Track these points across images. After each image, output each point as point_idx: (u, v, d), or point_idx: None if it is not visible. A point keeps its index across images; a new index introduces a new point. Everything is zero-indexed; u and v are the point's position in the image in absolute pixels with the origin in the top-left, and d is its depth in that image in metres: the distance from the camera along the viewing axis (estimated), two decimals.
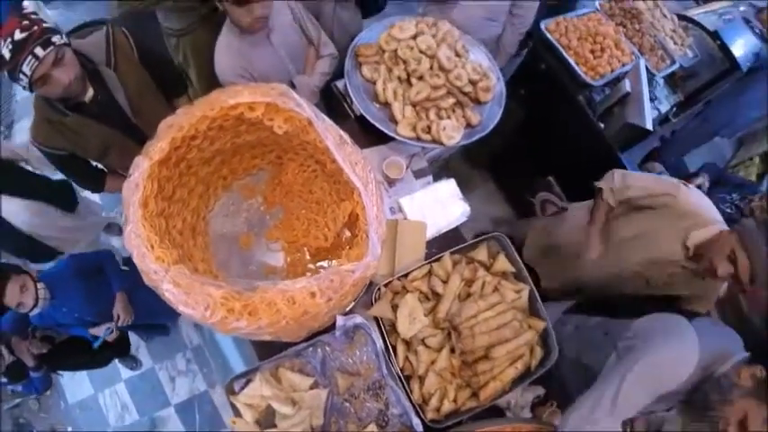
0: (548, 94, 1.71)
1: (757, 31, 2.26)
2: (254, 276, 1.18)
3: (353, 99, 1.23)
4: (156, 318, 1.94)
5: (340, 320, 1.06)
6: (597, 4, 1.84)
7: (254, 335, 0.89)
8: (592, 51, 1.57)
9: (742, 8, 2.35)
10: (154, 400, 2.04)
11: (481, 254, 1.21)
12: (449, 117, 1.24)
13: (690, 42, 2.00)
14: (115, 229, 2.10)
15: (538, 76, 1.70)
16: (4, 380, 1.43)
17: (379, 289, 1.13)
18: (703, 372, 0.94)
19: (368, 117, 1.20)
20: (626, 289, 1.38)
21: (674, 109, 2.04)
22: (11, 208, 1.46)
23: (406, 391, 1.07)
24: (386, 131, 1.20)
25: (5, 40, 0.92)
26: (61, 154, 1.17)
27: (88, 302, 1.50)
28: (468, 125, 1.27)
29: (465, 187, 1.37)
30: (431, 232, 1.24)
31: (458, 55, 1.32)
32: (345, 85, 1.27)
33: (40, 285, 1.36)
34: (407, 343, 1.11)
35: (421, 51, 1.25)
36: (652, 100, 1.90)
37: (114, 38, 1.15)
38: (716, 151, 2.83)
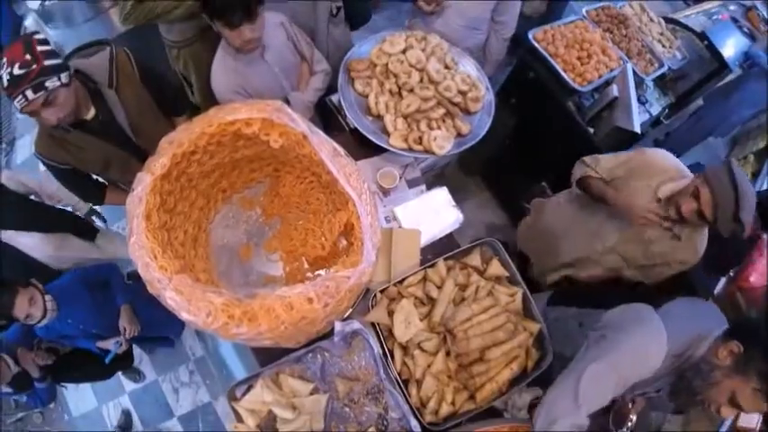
0: (537, 102, 1.76)
1: (746, 30, 2.30)
2: (255, 286, 1.21)
3: (347, 113, 1.28)
4: (160, 330, 1.98)
5: (338, 326, 1.09)
6: (584, 11, 1.89)
7: (254, 340, 0.92)
8: (579, 58, 1.61)
9: (732, 7, 2.40)
10: (158, 411, 2.06)
11: (475, 259, 1.24)
12: (439, 127, 1.28)
13: (678, 44, 2.04)
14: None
15: (527, 84, 1.74)
16: (10, 390, 1.46)
17: (375, 295, 1.16)
18: (678, 358, 0.95)
19: (361, 130, 1.25)
20: (606, 268, 1.40)
21: (666, 111, 2.08)
22: (30, 242, 1.50)
23: (404, 394, 1.09)
24: (379, 143, 1.25)
25: (4, 67, 0.95)
26: (63, 167, 1.21)
27: (93, 315, 1.53)
28: (459, 134, 1.31)
29: (461, 195, 1.40)
30: (425, 239, 1.27)
31: (447, 67, 1.37)
32: (339, 100, 1.32)
33: (47, 297, 1.39)
34: (404, 347, 1.14)
35: (411, 65, 1.30)
36: (643, 103, 1.94)
37: (117, 59, 1.19)
38: (710, 151, 2.84)
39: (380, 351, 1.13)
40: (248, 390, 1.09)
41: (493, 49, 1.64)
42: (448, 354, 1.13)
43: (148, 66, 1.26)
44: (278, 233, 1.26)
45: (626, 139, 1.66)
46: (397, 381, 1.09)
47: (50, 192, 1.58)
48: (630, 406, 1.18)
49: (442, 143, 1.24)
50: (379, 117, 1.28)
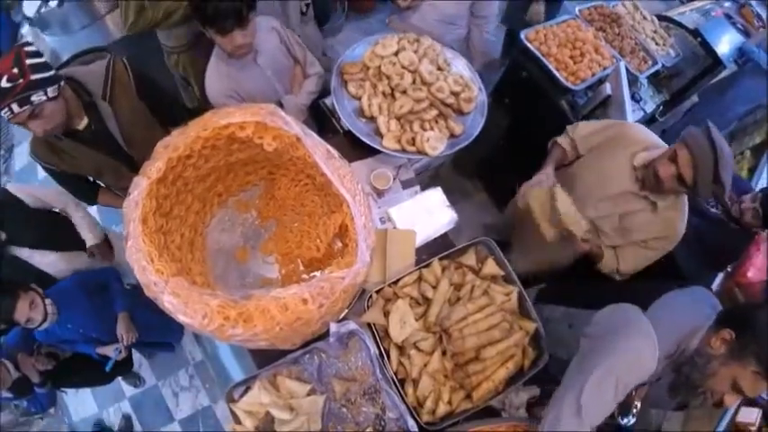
0: (531, 102, 1.77)
1: (740, 26, 2.31)
2: (251, 288, 1.22)
3: (341, 115, 1.29)
4: (160, 336, 1.98)
5: (334, 327, 1.09)
6: (576, 10, 1.90)
7: (250, 342, 0.92)
8: (571, 57, 1.62)
9: (726, 4, 2.41)
10: (158, 416, 2.07)
11: (470, 258, 1.24)
12: (432, 128, 1.29)
13: (671, 42, 2.05)
14: None
15: (520, 84, 1.75)
16: (10, 395, 1.47)
17: (371, 296, 1.16)
18: (669, 358, 0.95)
19: (354, 132, 1.26)
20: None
21: (660, 108, 2.08)
22: (44, 260, 1.51)
23: (400, 394, 1.09)
24: (372, 145, 1.26)
25: None
26: (57, 170, 1.22)
27: (92, 319, 1.54)
28: (452, 135, 1.32)
29: (456, 196, 1.42)
30: (420, 239, 1.28)
31: (440, 68, 1.38)
32: (333, 102, 1.33)
33: (47, 301, 1.40)
34: (400, 347, 1.14)
35: (403, 67, 1.31)
36: (637, 101, 1.94)
37: (114, 70, 1.19)
38: None
39: (377, 351, 1.13)
40: (246, 391, 1.09)
41: (476, 44, 1.67)
42: (444, 353, 1.13)
43: (145, 76, 1.26)
44: (273, 235, 1.27)
45: None
46: (393, 381, 1.10)
47: (74, 204, 1.56)
48: (634, 393, 1.18)
49: (435, 144, 1.25)
50: (373, 119, 1.29)
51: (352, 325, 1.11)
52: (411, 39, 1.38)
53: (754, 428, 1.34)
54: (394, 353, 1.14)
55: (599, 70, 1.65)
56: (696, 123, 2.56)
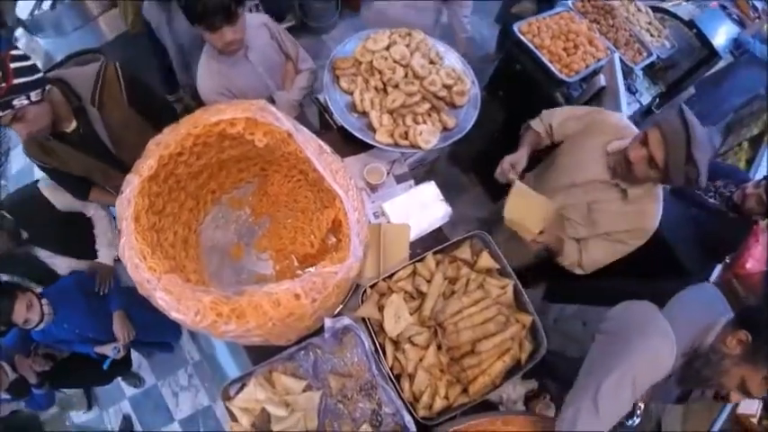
0: (525, 94, 1.76)
1: (735, 17, 2.30)
2: (246, 285, 1.21)
3: (333, 111, 1.29)
4: (158, 335, 1.99)
5: (328, 322, 1.09)
6: (569, 2, 1.90)
7: (243, 338, 0.92)
8: (565, 49, 1.62)
9: None
10: (158, 416, 2.07)
11: (464, 252, 1.24)
12: (425, 122, 1.28)
13: (666, 33, 2.04)
14: None
15: (514, 77, 1.75)
16: (8, 397, 1.47)
17: (365, 291, 1.16)
18: (684, 356, 0.94)
19: (347, 127, 1.25)
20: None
21: (657, 100, 2.07)
22: (63, 263, 1.53)
23: (396, 389, 1.08)
24: (365, 140, 1.25)
25: None
26: (50, 167, 1.23)
27: (89, 319, 1.54)
28: (445, 128, 1.32)
29: (452, 191, 1.41)
30: (414, 234, 1.27)
31: (432, 62, 1.37)
32: (325, 98, 1.33)
33: (44, 302, 1.41)
34: (395, 342, 1.14)
35: (395, 61, 1.31)
36: (633, 93, 1.94)
37: (105, 75, 1.18)
38: None
39: (372, 346, 1.13)
40: (242, 388, 1.09)
41: (456, 28, 1.68)
42: (439, 347, 1.13)
43: (136, 81, 1.26)
44: (267, 232, 1.27)
45: None
46: (389, 376, 1.09)
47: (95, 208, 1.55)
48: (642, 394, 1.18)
49: (428, 137, 1.24)
50: (365, 114, 1.29)
51: (346, 320, 1.11)
52: (402, 33, 1.38)
53: (755, 419, 1.33)
54: (389, 348, 1.13)
55: (593, 62, 1.64)
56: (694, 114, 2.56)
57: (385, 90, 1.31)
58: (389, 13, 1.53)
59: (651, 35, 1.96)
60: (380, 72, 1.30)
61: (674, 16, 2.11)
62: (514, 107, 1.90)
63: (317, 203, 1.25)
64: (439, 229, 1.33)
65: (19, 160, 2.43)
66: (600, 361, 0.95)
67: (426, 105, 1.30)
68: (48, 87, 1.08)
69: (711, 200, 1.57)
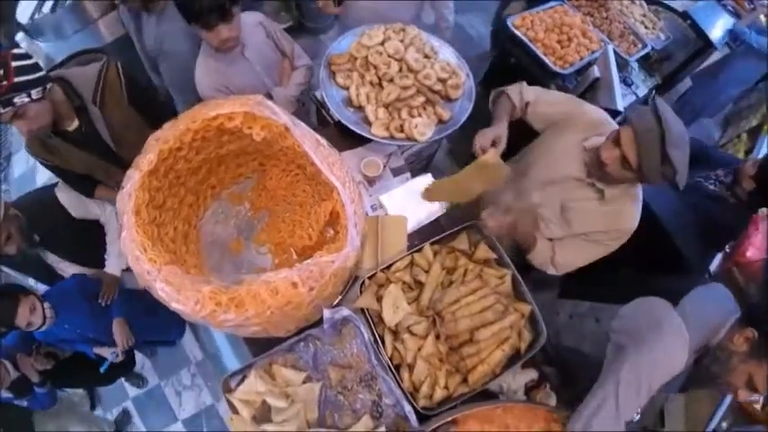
0: None
1: (730, 8, 2.31)
2: None
3: (329, 106, 1.30)
4: (161, 335, 2.01)
5: (327, 313, 1.10)
6: None
7: (242, 327, 0.93)
8: (559, 42, 1.63)
9: None
10: (161, 416, 2.07)
11: (462, 243, 1.24)
12: (420, 115, 1.30)
13: (661, 26, 2.05)
14: None
15: (510, 70, 1.76)
16: (10, 395, 1.49)
17: (363, 282, 1.17)
18: (695, 353, 0.95)
19: (343, 121, 1.27)
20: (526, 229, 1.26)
21: (653, 92, 2.08)
22: (70, 269, 1.54)
23: (396, 379, 1.09)
24: (361, 133, 1.27)
25: None
26: (52, 165, 1.25)
27: (90, 321, 1.56)
28: (440, 121, 1.33)
29: None
30: (412, 225, 1.28)
31: (426, 56, 1.39)
32: (322, 94, 1.34)
33: (46, 305, 1.43)
34: (394, 332, 1.14)
35: (389, 55, 1.32)
36: (629, 85, 1.95)
37: (106, 75, 1.21)
38: (704, 133, 2.85)
39: (371, 337, 1.13)
40: (242, 380, 1.10)
41: (440, 22, 1.68)
42: (438, 337, 1.13)
43: (137, 81, 1.28)
44: (266, 226, 1.28)
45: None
46: (388, 366, 1.10)
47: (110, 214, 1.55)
48: None
49: (424, 130, 1.25)
50: (361, 108, 1.30)
51: (345, 311, 1.12)
52: (397, 28, 1.40)
53: (758, 405, 1.32)
54: (388, 338, 1.14)
55: (587, 54, 1.65)
56: (690, 107, 2.57)
57: (380, 84, 1.33)
58: (370, 5, 1.52)
59: (646, 27, 1.97)
60: (375, 67, 1.32)
61: (669, 8, 2.12)
62: None
63: (315, 197, 1.26)
64: (436, 221, 1.34)
65: (21, 165, 2.46)
66: (617, 361, 0.95)
67: (421, 99, 1.32)
68: (49, 86, 1.10)
69: (712, 187, 1.58)
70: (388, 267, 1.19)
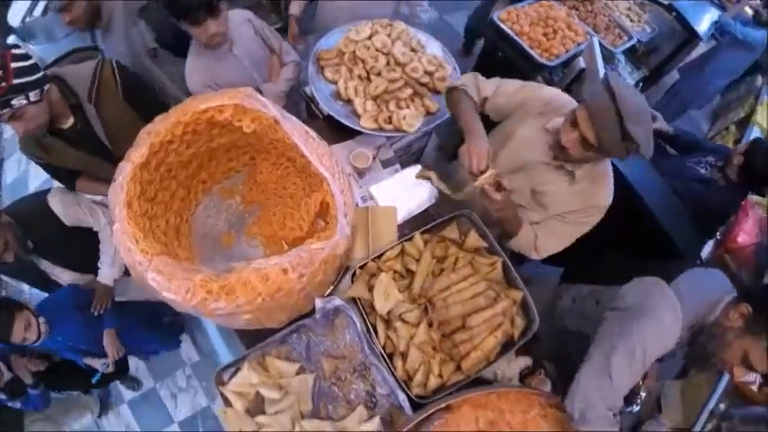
0: None
1: (715, 0, 2.34)
2: None
3: (318, 100, 1.32)
4: (156, 346, 2.01)
5: (319, 303, 1.10)
6: None
7: (234, 315, 0.93)
8: (544, 34, 1.66)
9: None
10: (157, 418, 2.05)
11: (452, 232, 1.25)
12: (408, 107, 1.32)
13: (647, 18, 2.09)
14: None
15: (497, 64, 1.78)
16: (3, 396, 1.48)
17: (354, 272, 1.17)
18: (690, 330, 0.97)
19: (332, 114, 1.29)
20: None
21: (641, 85, 2.11)
22: (64, 275, 1.53)
23: (389, 368, 1.09)
24: (350, 125, 1.28)
25: None
26: (43, 162, 1.25)
27: (82, 332, 1.56)
28: (428, 113, 1.35)
29: (442, 180, 1.39)
30: (402, 215, 1.29)
31: (413, 50, 1.41)
32: (311, 90, 1.36)
33: (41, 320, 1.42)
34: (386, 321, 1.14)
35: (377, 49, 1.35)
36: None
37: (101, 73, 1.21)
38: (693, 126, 2.89)
39: (363, 326, 1.14)
40: (236, 373, 1.10)
41: (413, 19, 1.73)
42: (430, 325, 1.14)
43: (133, 79, 1.28)
44: (257, 219, 1.29)
45: None
46: (381, 354, 1.10)
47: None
48: (641, 383, 1.19)
49: (412, 121, 1.27)
50: (350, 101, 1.32)
51: (337, 301, 1.12)
52: (384, 23, 1.42)
53: (754, 387, 1.33)
54: (381, 327, 1.14)
55: (573, 46, 1.68)
56: (679, 99, 2.60)
57: (368, 78, 1.35)
58: (347, 8, 1.52)
59: (631, 21, 2.01)
60: (363, 61, 1.34)
61: (654, 0, 2.16)
62: None
63: (306, 189, 1.27)
64: (426, 212, 1.35)
65: (13, 170, 2.46)
66: (610, 334, 0.97)
67: (409, 91, 1.33)
68: (47, 87, 1.10)
69: (703, 171, 1.61)
70: (379, 257, 1.20)
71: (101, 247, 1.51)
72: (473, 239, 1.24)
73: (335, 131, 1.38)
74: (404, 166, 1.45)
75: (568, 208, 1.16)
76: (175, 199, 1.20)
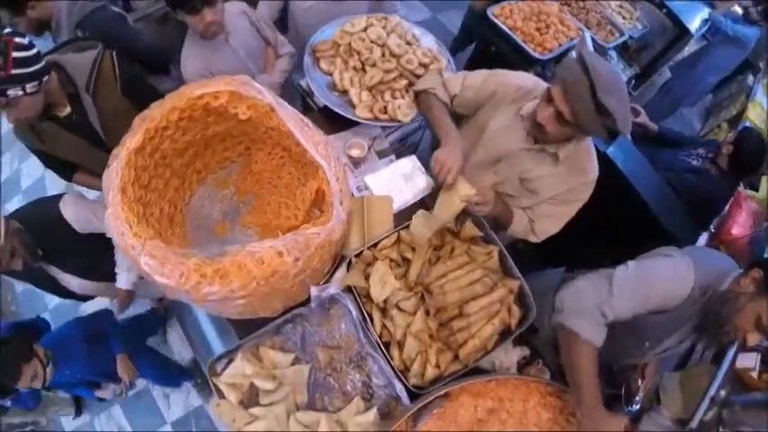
0: None
1: None
2: None
3: (314, 91, 1.32)
4: (162, 369, 1.98)
5: (314, 291, 1.09)
6: None
7: (227, 300, 0.92)
8: (537, 29, 1.68)
9: None
10: (150, 419, 2.02)
11: (449, 221, 1.25)
12: (403, 97, 1.32)
13: (638, 15, 2.12)
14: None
15: (490, 59, 1.80)
16: None
17: (350, 261, 1.16)
18: (703, 294, 0.98)
19: (328, 104, 1.29)
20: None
21: (633, 82, 2.14)
22: (75, 282, 1.48)
23: (386, 357, 1.07)
24: (346, 115, 1.29)
25: None
26: (36, 149, 1.24)
27: (90, 365, 1.55)
28: None
29: None
30: (397, 205, 1.29)
31: (408, 43, 1.42)
32: (307, 82, 1.37)
33: (48, 369, 1.40)
34: (383, 309, 1.13)
35: (372, 41, 1.36)
36: None
37: (101, 64, 1.20)
38: (686, 124, 2.93)
39: (359, 315, 1.12)
40: (229, 363, 1.08)
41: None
42: (427, 313, 1.12)
43: (131, 72, 1.28)
44: (252, 209, 1.28)
45: None
46: (378, 344, 1.08)
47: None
48: (640, 383, 1.22)
49: (407, 111, 1.28)
50: (345, 92, 1.32)
51: (332, 289, 1.11)
52: (379, 17, 1.44)
53: (754, 373, 1.32)
54: (377, 315, 1.13)
55: (565, 41, 1.70)
56: (671, 97, 2.64)
57: (363, 69, 1.35)
58: (323, 10, 1.50)
59: (623, 17, 2.04)
60: (358, 52, 1.35)
61: None
62: None
63: (301, 179, 1.27)
64: (422, 201, 1.35)
65: (5, 169, 2.45)
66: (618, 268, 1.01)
67: (404, 81, 1.34)
68: (45, 78, 1.09)
69: (694, 162, 1.64)
70: (375, 245, 1.19)
71: (116, 253, 1.46)
72: (469, 229, 1.24)
73: (331, 123, 1.38)
74: (398, 156, 1.46)
75: (558, 190, 1.16)
76: (169, 188, 1.19)
